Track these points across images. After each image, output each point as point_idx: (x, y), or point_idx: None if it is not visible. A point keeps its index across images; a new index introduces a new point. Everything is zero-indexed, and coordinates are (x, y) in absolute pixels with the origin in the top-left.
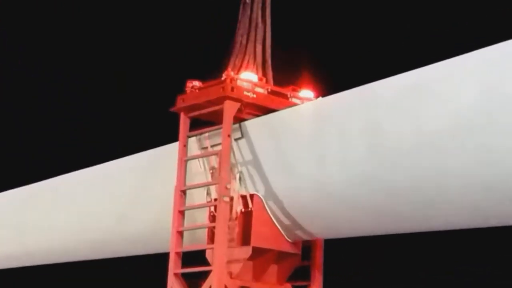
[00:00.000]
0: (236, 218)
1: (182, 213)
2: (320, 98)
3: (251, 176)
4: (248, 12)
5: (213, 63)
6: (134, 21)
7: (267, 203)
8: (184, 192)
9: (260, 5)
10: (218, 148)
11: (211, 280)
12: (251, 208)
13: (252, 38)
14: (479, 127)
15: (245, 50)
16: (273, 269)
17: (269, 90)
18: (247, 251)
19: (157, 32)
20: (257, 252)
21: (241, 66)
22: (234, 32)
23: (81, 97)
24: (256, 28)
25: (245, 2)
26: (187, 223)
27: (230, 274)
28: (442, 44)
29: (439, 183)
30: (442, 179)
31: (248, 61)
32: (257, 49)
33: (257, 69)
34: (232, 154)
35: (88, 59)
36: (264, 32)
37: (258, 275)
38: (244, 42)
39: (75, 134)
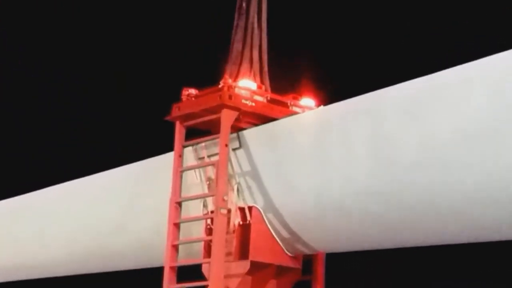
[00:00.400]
0: (233, 231)
1: (177, 226)
2: (322, 106)
3: (249, 188)
4: (244, 17)
5: (209, 70)
6: (128, 26)
7: (266, 216)
8: (179, 204)
9: (256, 9)
10: (215, 158)
11: None
12: (249, 221)
13: (248, 44)
14: (493, 137)
15: (241, 57)
16: (272, 284)
17: (269, 98)
18: (245, 266)
19: (152, 38)
20: (256, 267)
21: (238, 73)
22: (231, 38)
23: (75, 105)
24: (252, 34)
25: (240, 7)
26: (182, 236)
27: None
28: (452, 48)
29: (448, 197)
30: (452, 192)
31: (245, 68)
32: (253, 55)
33: (254, 76)
34: (229, 165)
35: (80, 66)
36: (260, 37)
37: None
38: (240, 48)
39: (67, 143)
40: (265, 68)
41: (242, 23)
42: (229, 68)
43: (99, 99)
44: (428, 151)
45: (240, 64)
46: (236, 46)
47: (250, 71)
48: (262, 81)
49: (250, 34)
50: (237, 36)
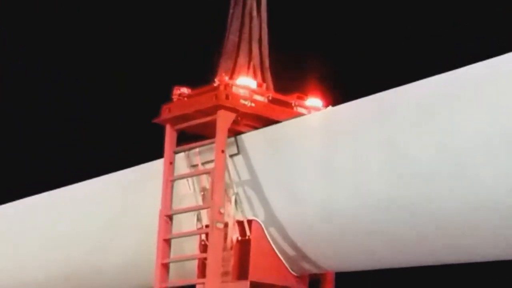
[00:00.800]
0: (231, 248)
1: (167, 242)
2: (330, 107)
3: (249, 199)
4: (241, 4)
5: (204, 66)
6: (112, 19)
7: (267, 230)
8: (170, 218)
9: None
10: (210, 166)
11: None
12: (249, 236)
13: (246, 35)
14: None
15: (238, 50)
16: None
17: (270, 98)
18: (244, 287)
19: (139, 31)
20: None
21: (234, 69)
22: (225, 29)
23: (54, 105)
24: (250, 24)
25: None
26: (173, 253)
27: None
28: (474, 44)
29: (470, 209)
30: (475, 204)
31: (242, 63)
32: (253, 48)
33: (254, 73)
34: (226, 173)
35: (60, 64)
36: (260, 28)
37: None
38: (236, 40)
39: (44, 148)
40: (266, 64)
41: (238, 12)
42: (224, 63)
43: (78, 100)
44: (449, 158)
45: (237, 59)
46: (232, 38)
47: (249, 67)
48: (263, 79)
49: (248, 25)
50: (233, 27)
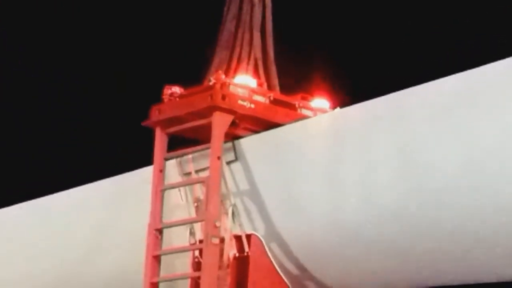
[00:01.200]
0: (227, 266)
1: (157, 258)
2: (338, 109)
3: (247, 211)
4: None
5: (198, 64)
6: (98, 14)
7: (268, 246)
8: (160, 232)
9: None
10: (205, 174)
11: None
12: (247, 252)
13: (245, 23)
14: None
15: (235, 41)
16: None
17: (272, 98)
18: None
19: (126, 26)
20: None
21: (231, 62)
22: (222, 17)
23: (38, 110)
24: (251, 9)
25: None
26: (163, 272)
27: None
28: (493, 40)
29: (493, 222)
30: (499, 221)
31: (241, 57)
32: (254, 39)
33: (256, 69)
34: (223, 182)
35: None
36: (264, 14)
37: None
38: (233, 29)
39: (26, 154)
40: (271, 56)
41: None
42: (219, 56)
43: (61, 102)
44: (469, 167)
45: (235, 50)
46: (229, 26)
47: (248, 62)
48: (266, 74)
49: (248, 9)
50: (230, 13)
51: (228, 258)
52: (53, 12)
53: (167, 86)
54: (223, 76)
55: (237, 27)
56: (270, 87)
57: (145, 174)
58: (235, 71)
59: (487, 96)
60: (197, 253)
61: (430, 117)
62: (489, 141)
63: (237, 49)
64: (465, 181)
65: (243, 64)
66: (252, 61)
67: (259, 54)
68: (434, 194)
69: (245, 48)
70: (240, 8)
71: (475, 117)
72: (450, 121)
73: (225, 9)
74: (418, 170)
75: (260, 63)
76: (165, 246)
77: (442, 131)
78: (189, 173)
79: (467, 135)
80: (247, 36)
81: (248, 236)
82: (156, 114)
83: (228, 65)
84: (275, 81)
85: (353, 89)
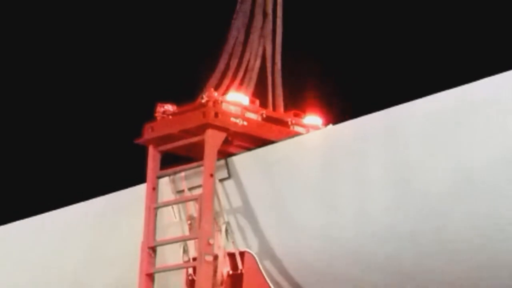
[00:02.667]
0: (221, 283)
1: (150, 277)
2: (331, 125)
3: (241, 228)
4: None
5: (191, 82)
6: (92, 34)
7: (262, 263)
8: (153, 250)
9: None
10: (198, 191)
11: None
12: (241, 270)
13: (256, 30)
14: None
15: (243, 51)
16: None
17: (264, 115)
18: None
19: (120, 43)
20: None
21: (234, 74)
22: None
23: (30, 126)
24: (264, 19)
25: None
26: None
27: None
28: (489, 55)
29: (492, 243)
30: (496, 238)
31: (247, 67)
32: (266, 47)
33: (269, 79)
34: (216, 200)
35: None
36: (275, 25)
37: None
38: (241, 38)
39: (19, 171)
40: (279, 69)
41: (246, 6)
42: (222, 65)
43: (53, 120)
44: (465, 184)
45: (241, 63)
46: (236, 34)
47: (249, 75)
48: (274, 98)
49: (259, 21)
50: (239, 20)
51: (222, 276)
52: (45, 31)
53: (159, 104)
54: (215, 94)
55: (246, 37)
56: (275, 104)
57: (138, 192)
58: (234, 83)
59: (481, 113)
60: (190, 270)
61: (423, 133)
62: (483, 158)
63: (245, 59)
64: (459, 198)
65: (245, 76)
66: (253, 75)
67: (269, 68)
68: (428, 211)
69: (252, 60)
70: (252, 18)
71: (468, 133)
72: (443, 137)
73: (236, 12)
74: (411, 187)
75: (269, 75)
76: (159, 264)
77: (435, 147)
78: (182, 191)
79: (460, 152)
80: (256, 44)
81: (242, 254)
82: (149, 132)
83: (231, 76)
84: (280, 90)
85: (345, 106)
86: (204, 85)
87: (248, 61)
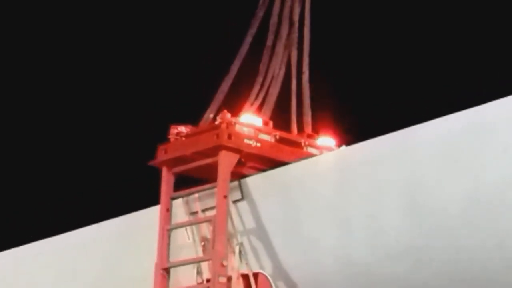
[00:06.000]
0: None
1: None
2: (343, 147)
3: (254, 250)
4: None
5: (204, 103)
6: (105, 53)
7: (276, 285)
8: (167, 271)
9: None
10: (212, 213)
11: None
12: None
13: (282, 39)
14: None
15: (272, 56)
16: None
17: (278, 137)
18: None
19: (132, 62)
20: None
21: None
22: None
23: (44, 146)
24: (291, 28)
25: None
26: None
27: None
28: (502, 76)
29: (499, 259)
30: (504, 253)
31: (275, 73)
32: (292, 56)
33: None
34: (229, 221)
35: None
36: (303, 34)
37: None
38: (269, 45)
39: (33, 193)
40: (307, 75)
41: (275, 15)
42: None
43: (69, 140)
44: (480, 206)
45: (269, 64)
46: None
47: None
48: (303, 115)
49: (286, 28)
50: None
51: None
52: (52, 49)
53: (173, 126)
54: (228, 115)
55: (274, 43)
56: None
57: (152, 213)
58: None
59: (493, 134)
60: None
61: (436, 155)
62: (496, 179)
63: (273, 65)
64: (474, 220)
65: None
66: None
67: (294, 71)
68: (443, 232)
69: (279, 65)
70: (279, 25)
71: (480, 154)
72: (456, 158)
73: (254, 18)
74: (425, 208)
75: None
76: (172, 285)
77: (449, 168)
78: (195, 212)
79: (474, 173)
80: (281, 51)
81: (256, 275)
82: (162, 153)
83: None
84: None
85: (358, 127)
86: (219, 106)
87: (270, 83)
